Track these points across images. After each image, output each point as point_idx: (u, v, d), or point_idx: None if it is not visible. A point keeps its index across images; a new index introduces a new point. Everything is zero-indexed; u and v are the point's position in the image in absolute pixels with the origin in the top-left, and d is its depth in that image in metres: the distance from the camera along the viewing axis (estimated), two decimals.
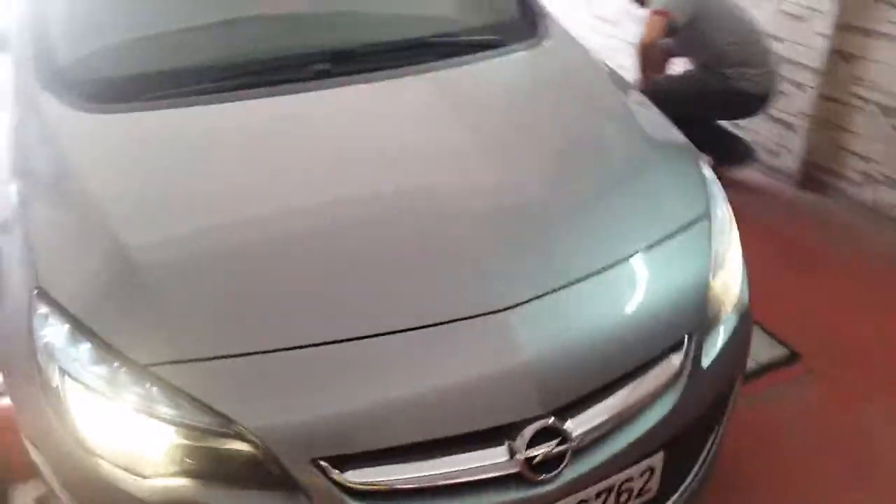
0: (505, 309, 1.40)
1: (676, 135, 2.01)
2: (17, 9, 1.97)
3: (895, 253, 3.05)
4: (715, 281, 1.64)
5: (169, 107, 1.79)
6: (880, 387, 2.40)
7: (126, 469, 1.31)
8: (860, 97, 3.26)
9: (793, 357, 2.52)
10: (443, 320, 1.39)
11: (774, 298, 2.29)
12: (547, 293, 1.45)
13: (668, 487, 1.60)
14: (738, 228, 1.83)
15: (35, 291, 1.42)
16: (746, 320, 1.75)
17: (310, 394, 1.31)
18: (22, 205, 1.59)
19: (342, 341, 1.35)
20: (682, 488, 1.66)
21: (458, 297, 1.43)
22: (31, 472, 1.58)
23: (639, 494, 1.52)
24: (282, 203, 1.58)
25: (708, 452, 1.71)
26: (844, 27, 3.23)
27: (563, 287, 1.47)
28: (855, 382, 2.41)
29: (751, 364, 2.24)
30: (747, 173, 3.66)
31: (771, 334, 2.59)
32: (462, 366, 1.36)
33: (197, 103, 1.80)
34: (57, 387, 1.36)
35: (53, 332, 1.37)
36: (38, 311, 1.40)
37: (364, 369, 1.34)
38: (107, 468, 1.32)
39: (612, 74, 2.20)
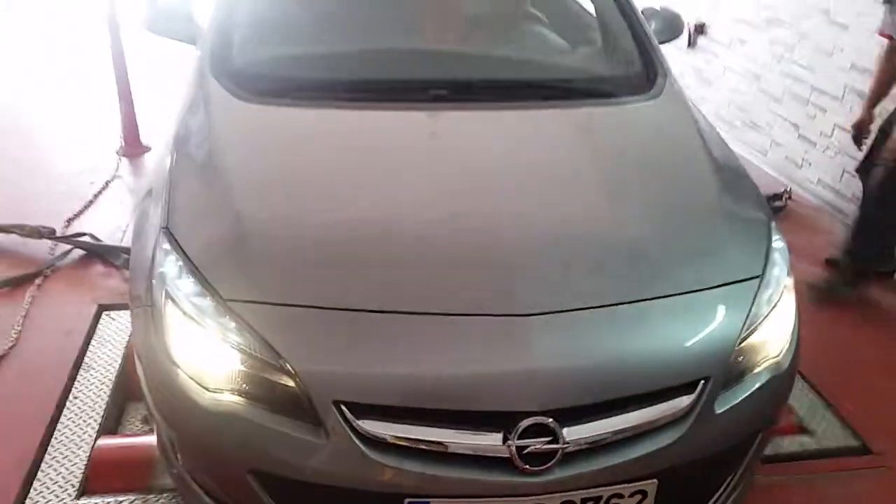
0: (529, 314, 1.59)
1: (756, 198, 2.09)
2: (209, 15, 2.44)
3: None
4: (748, 338, 1.71)
5: (306, 106, 2.16)
6: None
7: (195, 380, 1.62)
8: None
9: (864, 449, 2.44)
10: (473, 312, 1.60)
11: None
12: (569, 310, 1.62)
13: None
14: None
15: (162, 230, 1.78)
16: (780, 383, 1.79)
17: (345, 349, 1.57)
18: (173, 159, 1.99)
19: (383, 312, 1.60)
20: None
21: (493, 297, 1.63)
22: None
23: None
24: (372, 197, 1.88)
25: (719, 498, 1.76)
26: None
27: (587, 308, 1.63)
28: None
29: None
30: None
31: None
32: (480, 353, 1.56)
33: (330, 107, 2.17)
34: (161, 308, 1.70)
35: (169, 264, 1.72)
36: (162, 246, 1.77)
37: (395, 338, 1.58)
38: (182, 378, 1.63)
39: (710, 133, 2.31)
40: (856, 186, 3.81)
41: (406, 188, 1.93)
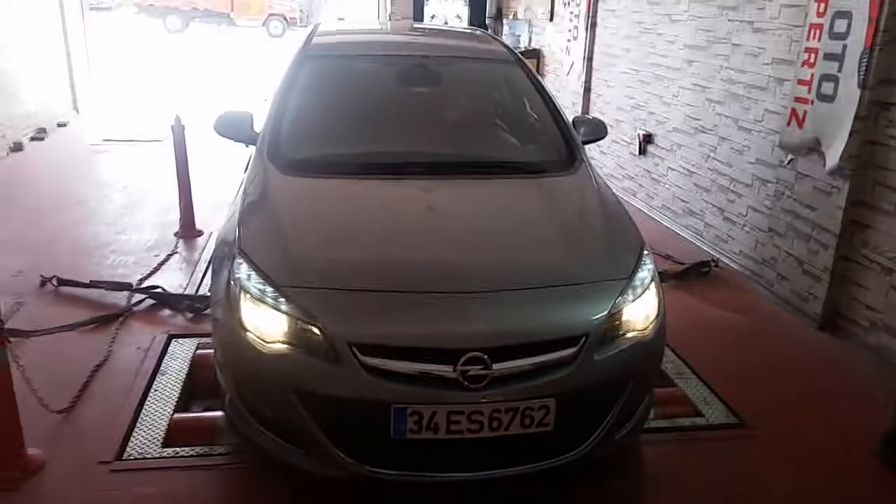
0: (475, 292, 2.56)
1: (634, 235, 3.06)
2: (264, 123, 3.53)
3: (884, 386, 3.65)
4: (616, 314, 2.64)
5: (332, 178, 3.23)
6: None
7: (259, 338, 2.55)
8: (868, 258, 4.01)
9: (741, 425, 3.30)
10: (438, 290, 2.57)
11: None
12: (498, 290, 2.59)
13: (565, 434, 2.54)
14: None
15: (237, 249, 2.76)
16: (643, 347, 2.71)
17: (355, 312, 2.52)
18: (242, 208, 3.01)
19: (381, 291, 2.57)
20: (582, 444, 2.59)
21: (451, 282, 2.60)
22: None
23: (539, 424, 2.49)
24: (383, 228, 2.93)
25: (609, 428, 2.63)
26: (857, 202, 4.06)
27: (509, 290, 2.60)
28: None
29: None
30: (782, 314, 4.45)
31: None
32: (441, 313, 2.51)
33: (347, 178, 3.24)
34: (237, 296, 2.65)
35: (242, 269, 2.69)
36: (236, 261, 2.74)
37: (388, 305, 2.54)
38: (250, 337, 2.56)
39: (606, 194, 3.34)
40: (768, 253, 4.78)
41: (400, 222, 2.99)
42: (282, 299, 2.55)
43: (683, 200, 5.89)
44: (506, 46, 4.43)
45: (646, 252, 2.97)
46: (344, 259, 2.74)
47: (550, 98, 3.91)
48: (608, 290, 2.70)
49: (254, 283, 2.63)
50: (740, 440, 3.23)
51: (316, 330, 2.48)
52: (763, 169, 4.89)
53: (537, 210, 3.26)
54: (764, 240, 4.86)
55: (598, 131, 3.94)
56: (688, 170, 5.82)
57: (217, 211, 5.99)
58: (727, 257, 5.29)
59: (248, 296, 2.61)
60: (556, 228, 3.10)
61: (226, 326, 2.69)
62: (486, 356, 2.41)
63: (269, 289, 2.59)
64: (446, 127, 3.80)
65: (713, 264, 5.14)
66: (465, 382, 2.41)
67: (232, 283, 2.70)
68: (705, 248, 5.52)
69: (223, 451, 2.97)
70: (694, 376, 3.67)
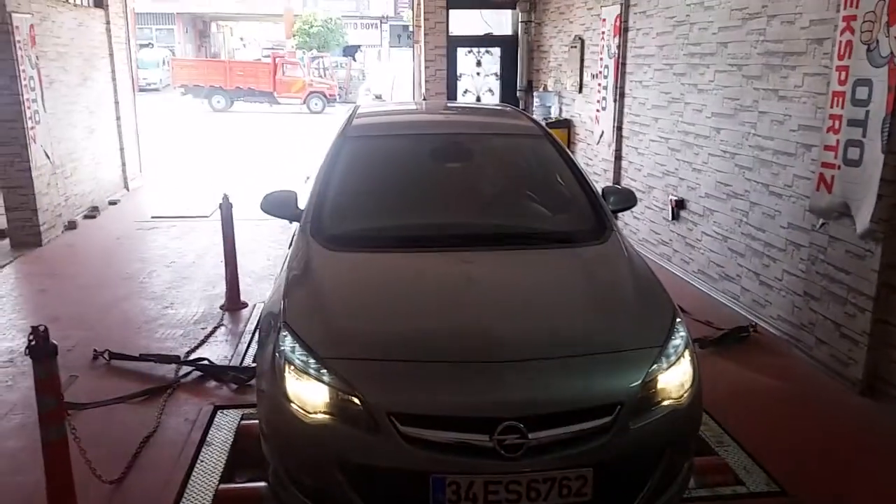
0: (510, 361, 2.65)
1: (666, 303, 3.12)
2: (307, 201, 3.72)
3: None
4: (650, 382, 2.69)
5: (371, 252, 3.38)
6: None
7: (301, 408, 2.65)
8: None
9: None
10: (472, 360, 2.65)
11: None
12: (533, 359, 2.67)
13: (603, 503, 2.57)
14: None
15: (283, 322, 2.90)
16: (679, 415, 2.74)
17: (394, 382, 2.61)
18: (287, 282, 3.16)
19: (417, 361, 2.66)
20: None
21: (486, 352, 2.69)
22: None
23: (577, 494, 2.53)
24: (421, 299, 3.06)
25: (644, 494, 2.64)
26: (891, 265, 4.07)
27: (545, 359, 2.68)
28: None
29: None
30: (822, 379, 4.41)
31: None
32: (477, 382, 2.59)
33: (387, 252, 3.39)
34: (281, 368, 2.77)
35: (287, 342, 2.82)
36: (281, 333, 2.87)
37: (425, 375, 2.62)
38: (293, 408, 2.67)
39: (638, 262, 3.41)
40: (805, 317, 4.77)
41: (437, 293, 3.10)
42: (324, 371, 2.66)
43: (719, 265, 5.92)
44: (534, 121, 4.62)
45: (678, 319, 3.02)
46: (383, 330, 2.85)
47: (579, 169, 4.05)
48: (642, 358, 2.76)
49: (298, 355, 2.75)
50: None
51: (356, 400, 2.57)
52: (796, 233, 4.93)
53: (570, 279, 3.35)
54: (800, 304, 4.86)
55: (627, 200, 4.04)
56: (722, 235, 5.86)
57: (260, 284, 6.22)
58: (765, 322, 5.27)
59: (292, 367, 2.73)
60: (588, 297, 3.18)
61: (270, 397, 2.81)
62: (522, 425, 2.48)
63: (311, 360, 2.70)
64: (480, 200, 3.95)
65: (752, 329, 5.13)
66: (502, 452, 2.47)
67: (277, 354, 2.83)
68: (742, 313, 5.51)
69: None
70: (734, 444, 3.65)
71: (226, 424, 3.81)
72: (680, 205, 6.50)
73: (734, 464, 3.49)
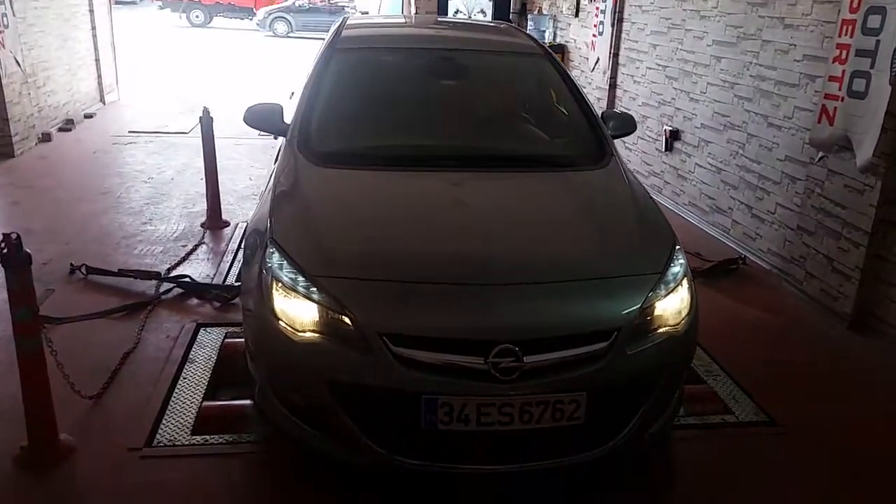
0: (507, 284, 2.54)
1: (666, 230, 3.03)
2: (293, 115, 3.53)
3: None
4: (648, 308, 2.62)
5: (362, 170, 3.23)
6: None
7: (290, 326, 2.55)
8: None
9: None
10: (469, 282, 2.56)
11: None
12: (530, 283, 2.57)
13: (595, 428, 2.53)
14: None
15: (269, 239, 2.77)
16: (675, 342, 2.68)
17: (386, 302, 2.51)
18: (273, 198, 3.02)
19: (411, 282, 2.56)
20: (613, 439, 2.57)
21: (482, 273, 2.59)
22: None
23: (570, 418, 2.48)
24: (414, 220, 2.93)
25: (641, 422, 2.61)
26: (890, 201, 4.00)
27: (542, 282, 2.58)
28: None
29: None
30: (810, 312, 4.41)
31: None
32: (472, 303, 2.50)
33: (378, 170, 3.25)
34: (268, 284, 2.66)
35: (274, 258, 2.70)
36: (268, 250, 2.75)
37: (419, 295, 2.53)
38: (281, 326, 2.57)
39: (638, 189, 3.31)
40: (797, 251, 4.73)
41: (430, 214, 2.98)
42: (313, 288, 2.56)
43: (711, 197, 5.84)
44: (533, 39, 4.42)
45: (678, 247, 2.94)
46: (375, 250, 2.74)
47: (579, 92, 3.89)
48: (640, 284, 2.68)
49: (286, 272, 2.63)
50: (770, 438, 3.20)
51: (347, 320, 2.48)
52: (793, 166, 4.84)
53: (568, 204, 3.24)
54: (793, 238, 4.81)
55: (627, 126, 3.90)
56: (715, 167, 5.76)
57: (242, 202, 6.06)
58: (755, 255, 5.23)
59: (280, 285, 2.62)
60: (587, 222, 3.07)
61: (257, 315, 2.70)
62: (517, 349, 2.40)
63: (300, 278, 2.60)
64: (476, 120, 3.79)
65: (741, 261, 5.10)
66: (497, 374, 2.40)
67: (264, 272, 2.71)
68: (732, 246, 5.46)
69: (252, 440, 2.99)
70: (723, 373, 3.64)
71: (209, 342, 3.72)
72: (674, 135, 6.37)
73: (723, 393, 3.48)
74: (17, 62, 7.23)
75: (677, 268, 2.83)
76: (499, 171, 3.35)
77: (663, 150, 6.55)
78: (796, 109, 4.80)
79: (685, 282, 2.81)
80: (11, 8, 7.04)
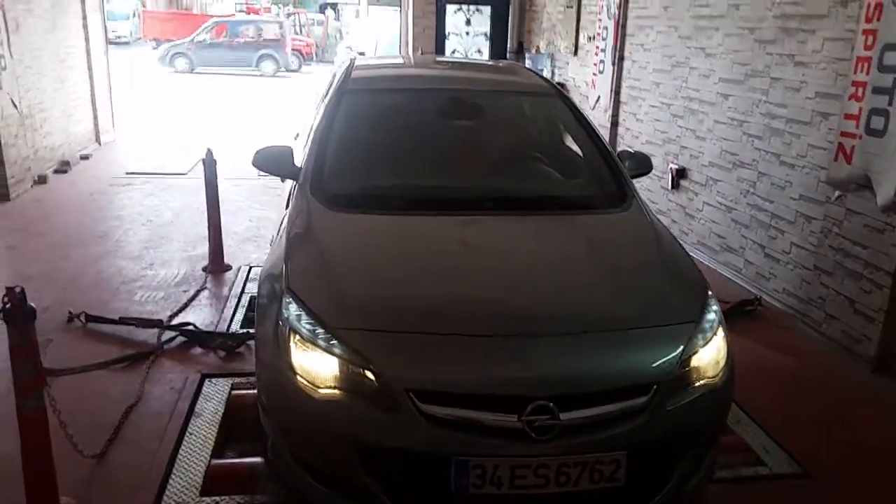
0: (539, 335, 2.42)
1: (696, 276, 2.92)
2: (305, 158, 3.42)
3: None
4: (688, 360, 2.49)
5: (373, 214, 3.12)
6: None
7: (308, 382, 2.41)
8: None
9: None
10: (498, 333, 2.42)
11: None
12: (564, 333, 2.45)
13: (634, 489, 2.38)
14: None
15: (286, 288, 2.64)
16: (715, 396, 2.56)
17: (412, 356, 2.38)
18: (287, 245, 2.89)
19: (436, 334, 2.42)
20: (652, 499, 2.43)
21: (512, 324, 2.46)
22: None
23: (609, 479, 2.33)
24: (435, 267, 2.81)
25: (680, 479, 2.46)
26: None
27: (576, 333, 2.46)
28: None
29: None
30: (832, 356, 4.29)
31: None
32: (504, 358, 2.36)
33: (394, 215, 3.13)
34: (286, 337, 2.52)
35: (291, 309, 2.56)
36: (285, 299, 2.61)
37: (448, 348, 2.39)
38: (299, 381, 2.43)
39: (664, 233, 3.21)
40: (815, 291, 4.62)
41: (452, 261, 2.85)
42: (334, 341, 2.42)
43: (721, 236, 5.75)
44: (544, 78, 4.35)
45: (710, 293, 2.83)
46: (397, 300, 2.61)
47: (595, 131, 3.81)
48: (677, 334, 2.56)
49: (304, 323, 2.50)
50: (807, 491, 3.06)
51: (371, 375, 2.34)
52: (807, 205, 4.76)
53: (594, 249, 3.12)
54: (810, 278, 4.71)
55: (643, 166, 3.82)
56: (725, 205, 5.69)
57: (244, 245, 5.93)
58: (769, 295, 5.13)
59: (298, 337, 2.49)
60: (616, 268, 2.94)
61: (273, 368, 2.56)
62: (552, 405, 2.27)
63: (320, 330, 2.46)
64: (491, 161, 3.69)
65: (757, 303, 4.99)
66: (531, 433, 2.26)
67: (280, 323, 2.58)
68: (745, 286, 5.36)
69: (265, 502, 2.82)
70: (752, 423, 3.50)
71: (215, 394, 3.55)
72: (680, 173, 6.30)
73: (753, 443, 3.34)
74: (14, 104, 7.13)
75: (712, 314, 2.71)
76: (518, 215, 3.24)
77: (669, 188, 6.48)
78: (810, 147, 4.73)
79: (720, 330, 2.69)
80: (9, 50, 6.97)
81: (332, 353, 2.41)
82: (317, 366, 2.43)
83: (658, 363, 2.47)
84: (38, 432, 2.52)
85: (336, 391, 2.38)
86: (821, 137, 4.62)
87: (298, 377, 2.44)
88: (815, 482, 3.11)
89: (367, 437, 2.33)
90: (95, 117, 9.92)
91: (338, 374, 2.39)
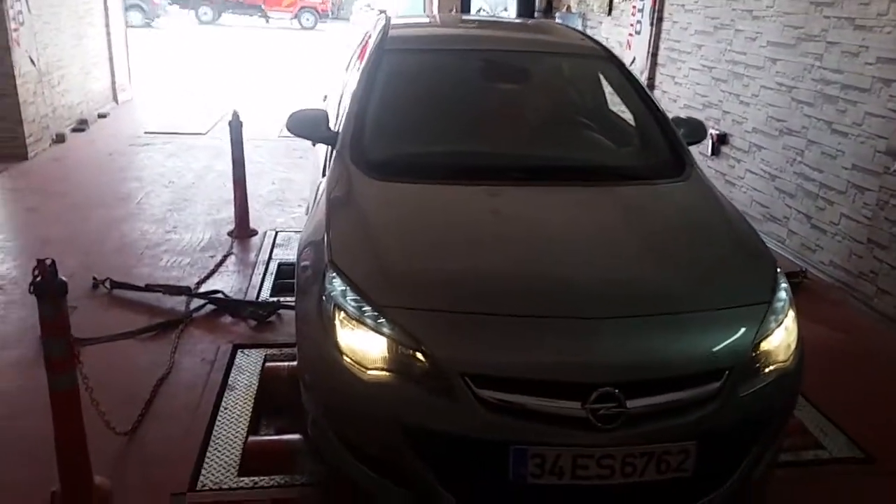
0: (603, 318, 2.25)
1: (764, 252, 2.74)
2: (344, 120, 3.23)
3: None
4: (760, 344, 2.32)
5: (424, 183, 2.92)
6: None
7: (357, 363, 2.26)
8: None
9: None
10: (562, 315, 2.26)
11: None
12: (630, 316, 2.27)
13: (702, 478, 2.23)
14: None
15: (329, 262, 2.48)
16: (787, 381, 2.39)
17: (467, 337, 2.22)
18: (328, 216, 2.71)
19: (494, 314, 2.26)
20: (719, 487, 2.28)
21: (576, 305, 2.29)
22: None
23: (676, 469, 2.18)
24: (489, 241, 2.61)
25: (747, 467, 2.32)
26: None
27: (644, 315, 2.29)
28: None
29: None
30: (884, 332, 4.10)
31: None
32: (567, 342, 2.20)
33: (440, 184, 2.93)
34: (330, 315, 2.36)
35: (336, 284, 2.40)
36: (329, 274, 2.45)
37: (506, 330, 2.22)
38: (347, 362, 2.28)
39: (728, 206, 3.00)
40: (866, 265, 4.42)
41: (506, 235, 2.66)
42: (382, 320, 2.27)
43: (763, 205, 5.53)
44: (592, 39, 4.10)
45: (779, 270, 2.65)
46: (449, 277, 2.43)
47: (649, 96, 3.59)
48: (749, 316, 2.38)
49: (350, 300, 2.34)
50: (872, 479, 2.91)
51: (422, 357, 2.19)
52: (861, 175, 4.53)
53: (657, 222, 2.90)
54: (861, 251, 4.50)
55: (696, 133, 3.58)
56: (769, 173, 5.45)
57: (269, 209, 5.78)
58: (815, 268, 4.93)
59: (344, 315, 2.33)
60: (683, 244, 2.74)
61: (317, 346, 2.41)
62: (618, 392, 2.11)
63: (367, 308, 2.30)
64: (541, 128, 3.48)
65: (802, 275, 4.79)
66: (596, 422, 2.11)
67: (324, 298, 2.42)
68: (789, 257, 5.15)
69: (306, 482, 2.70)
70: (807, 403, 3.33)
71: (248, 366, 3.43)
72: (721, 139, 6.06)
73: (811, 425, 3.18)
74: (32, 61, 6.96)
75: (783, 294, 2.54)
76: (572, 185, 3.03)
77: (709, 154, 6.24)
78: (867, 116, 4.48)
79: (791, 311, 2.52)
80: (27, 4, 6.76)
81: (381, 333, 2.25)
82: (364, 345, 2.28)
83: (730, 347, 2.29)
84: (70, 411, 2.39)
85: (385, 373, 2.23)
86: (880, 105, 4.36)
87: (345, 357, 2.29)
88: (878, 468, 2.95)
89: (417, 421, 2.19)
90: (113, 75, 9.73)
91: (386, 354, 2.24)
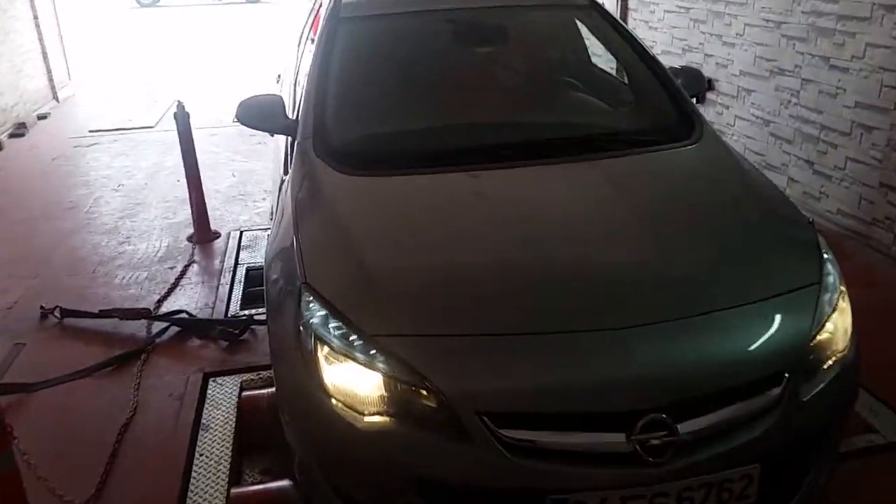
0: (638, 325, 1.87)
1: (800, 219, 2.38)
2: (302, 105, 2.79)
3: None
4: (818, 335, 1.97)
5: (403, 175, 2.51)
6: None
7: (350, 408, 1.88)
8: None
9: None
10: (585, 328, 1.88)
11: None
12: (669, 320, 1.90)
13: (767, 501, 1.90)
14: None
15: (303, 284, 2.07)
16: (850, 372, 2.05)
17: (481, 367, 1.84)
18: (296, 224, 2.30)
19: (508, 335, 1.88)
20: None
21: (599, 314, 1.91)
22: None
23: (739, 498, 1.84)
24: (489, 243, 2.20)
25: (812, 480, 1.99)
26: None
27: (684, 318, 1.91)
28: None
29: None
30: None
31: None
32: (596, 361, 1.83)
33: (421, 174, 2.52)
34: (311, 350, 1.97)
35: (314, 310, 2.01)
36: (304, 298, 2.05)
37: (525, 354, 1.85)
38: (338, 407, 1.90)
39: (750, 169, 2.63)
40: (880, 211, 4.11)
41: (507, 231, 2.25)
42: (374, 352, 1.88)
43: (758, 153, 5.19)
44: None
45: (822, 240, 2.30)
46: (451, 292, 2.04)
47: (643, 47, 3.18)
48: (802, 302, 2.04)
49: (332, 329, 1.95)
50: None
51: (428, 394, 1.81)
52: (867, 113, 4.19)
53: (679, 197, 2.50)
54: (873, 196, 4.19)
55: (696, 84, 3.20)
56: (762, 118, 5.10)
57: (229, 205, 5.32)
58: (820, 217, 4.61)
59: (329, 349, 1.94)
60: (712, 222, 2.36)
61: (296, 381, 2.03)
62: (668, 417, 1.76)
63: (356, 340, 1.91)
64: (526, 95, 3.07)
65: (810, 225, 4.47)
66: (645, 456, 1.75)
67: (302, 328, 2.02)
68: None
69: None
70: None
71: (222, 399, 3.02)
72: (707, 85, 5.68)
73: (858, 406, 2.85)
74: None
75: (830, 267, 2.19)
76: (573, 159, 2.60)
77: (694, 102, 5.85)
78: (868, 47, 4.13)
79: (842, 286, 2.18)
80: None
81: (375, 368, 1.87)
82: (356, 384, 1.89)
83: (786, 344, 1.95)
84: (10, 497, 1.98)
85: (384, 417, 1.86)
86: (884, 34, 4.01)
87: (333, 400, 1.91)
88: None
89: (429, 473, 1.83)
90: (49, 70, 9.03)
91: (384, 394, 1.86)
